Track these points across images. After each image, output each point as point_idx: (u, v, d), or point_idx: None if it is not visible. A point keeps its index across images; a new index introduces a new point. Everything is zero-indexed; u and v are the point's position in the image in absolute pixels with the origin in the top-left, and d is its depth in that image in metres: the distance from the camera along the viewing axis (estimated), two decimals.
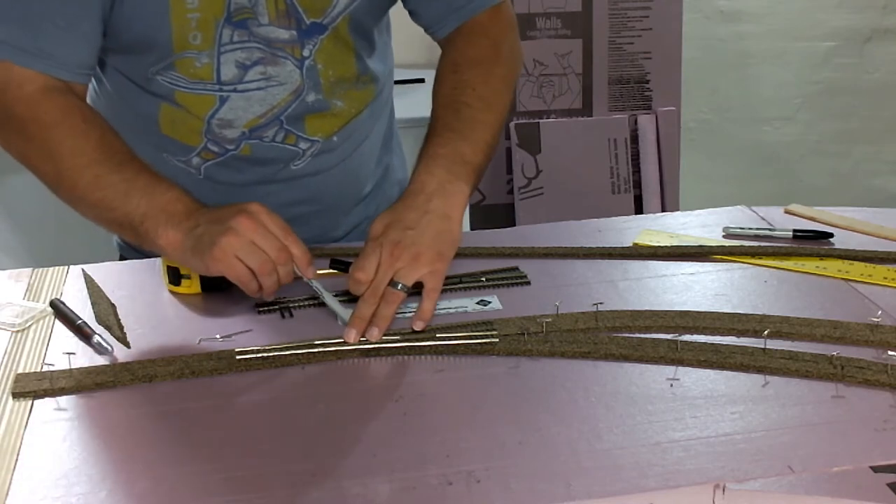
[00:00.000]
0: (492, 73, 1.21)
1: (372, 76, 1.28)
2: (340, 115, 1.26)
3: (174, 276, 1.11)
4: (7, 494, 0.77)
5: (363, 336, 0.99)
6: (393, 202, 1.11)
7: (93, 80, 1.26)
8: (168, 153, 1.25)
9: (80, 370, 0.95)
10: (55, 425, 0.87)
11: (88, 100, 1.27)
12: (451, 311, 1.06)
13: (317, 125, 1.25)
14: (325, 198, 1.30)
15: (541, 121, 2.48)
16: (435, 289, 1.03)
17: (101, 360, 0.98)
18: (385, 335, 0.99)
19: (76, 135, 1.10)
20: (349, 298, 1.05)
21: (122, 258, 1.36)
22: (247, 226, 1.00)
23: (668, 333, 0.99)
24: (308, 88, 1.22)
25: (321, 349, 0.97)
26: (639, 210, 2.45)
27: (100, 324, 1.05)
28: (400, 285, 1.01)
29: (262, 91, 1.20)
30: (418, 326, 1.01)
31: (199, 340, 1.00)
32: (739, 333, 0.99)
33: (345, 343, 0.98)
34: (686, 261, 1.17)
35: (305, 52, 1.20)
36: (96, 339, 1.00)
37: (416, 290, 1.06)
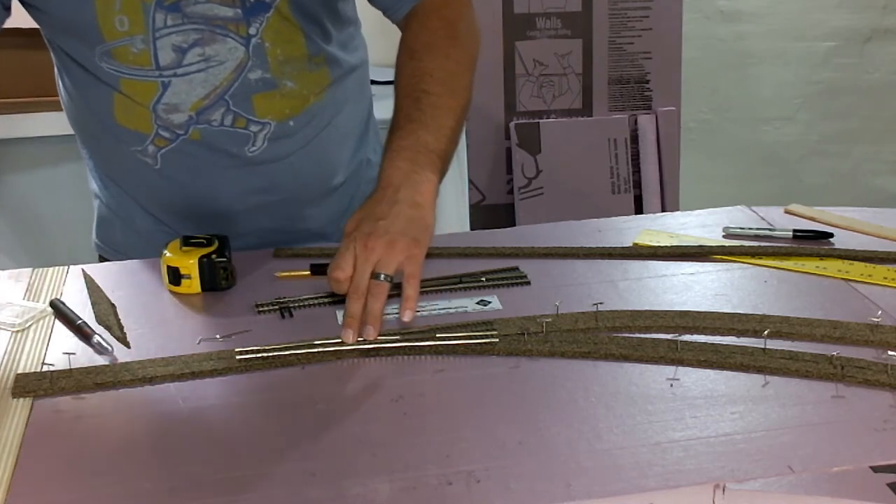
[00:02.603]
0: (449, 56, 1.20)
1: (326, 59, 1.26)
2: (293, 97, 1.24)
3: (174, 276, 1.11)
4: (7, 494, 0.77)
5: (360, 336, 0.98)
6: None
7: (63, 71, 1.27)
8: (125, 143, 1.24)
9: (80, 370, 0.95)
10: (55, 425, 0.87)
11: (63, 96, 1.29)
12: (451, 311, 1.06)
13: (266, 106, 1.23)
14: (287, 186, 1.28)
15: (541, 121, 2.48)
16: (414, 274, 1.01)
17: (101, 360, 0.98)
18: (385, 335, 0.99)
19: None
20: (336, 299, 1.05)
21: (101, 259, 1.37)
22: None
23: (668, 333, 0.99)
24: (253, 66, 1.21)
25: (321, 349, 0.97)
26: (639, 210, 2.46)
27: (100, 324, 1.05)
28: (382, 276, 1.00)
29: (203, 73, 1.20)
30: (407, 317, 0.99)
31: (199, 340, 1.00)
32: (739, 333, 0.99)
33: (345, 343, 0.98)
34: (686, 261, 1.17)
35: (252, 31, 1.19)
36: (96, 339, 1.00)
37: (420, 289, 1.07)
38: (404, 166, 1.08)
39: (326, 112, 1.28)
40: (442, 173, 1.12)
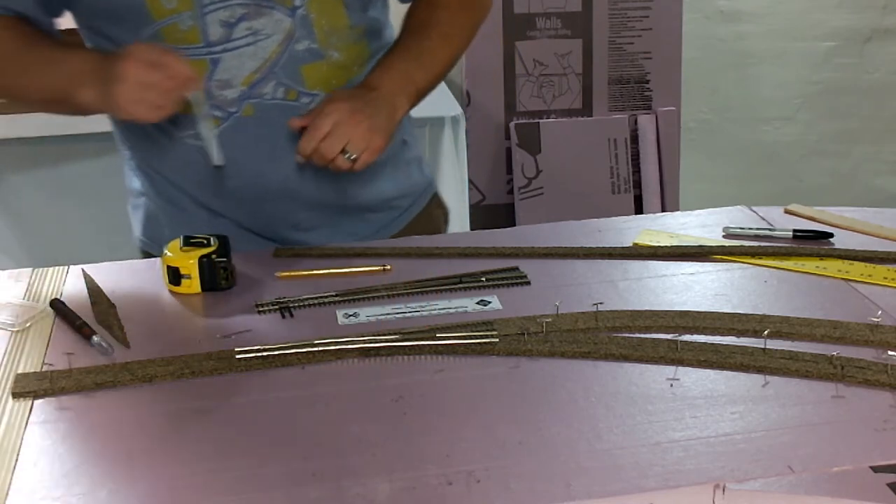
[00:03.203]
0: (456, 17, 1.34)
1: (366, 30, 1.29)
2: (339, 67, 1.26)
3: (174, 276, 1.11)
4: (7, 494, 0.77)
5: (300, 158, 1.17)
6: (412, 177, 1.37)
7: None
8: (178, 129, 1.24)
9: (80, 370, 0.95)
10: (55, 425, 0.87)
11: None
12: (451, 311, 1.06)
13: (314, 77, 1.25)
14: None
15: (541, 121, 2.48)
16: (366, 162, 1.18)
17: (101, 360, 0.98)
18: (385, 335, 0.99)
19: None
20: (338, 299, 1.06)
21: (145, 255, 1.36)
22: (129, 69, 1.09)
23: (668, 333, 0.99)
24: (300, 37, 1.22)
25: (321, 349, 0.97)
26: (639, 210, 2.46)
27: (100, 324, 1.05)
28: (350, 155, 1.16)
29: (252, 46, 1.21)
30: (299, 160, 1.19)
31: (200, 340, 1.00)
32: (739, 333, 0.99)
33: (345, 343, 0.97)
34: (686, 261, 1.17)
35: (297, 2, 1.21)
36: (96, 339, 1.00)
37: (417, 289, 1.07)
38: (389, 84, 1.24)
39: None
40: (412, 106, 1.30)
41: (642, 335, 0.99)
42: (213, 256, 1.11)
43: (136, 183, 1.36)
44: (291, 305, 1.08)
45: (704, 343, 0.97)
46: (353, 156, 1.17)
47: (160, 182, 1.31)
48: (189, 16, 1.18)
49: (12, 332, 1.04)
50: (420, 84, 1.28)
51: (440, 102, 2.25)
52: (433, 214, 1.44)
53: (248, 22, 1.19)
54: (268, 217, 1.29)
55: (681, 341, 0.96)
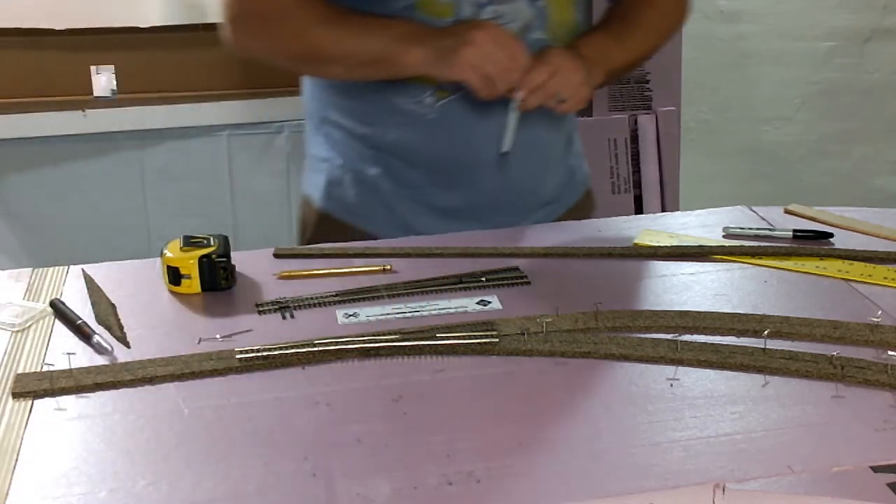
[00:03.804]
0: (664, 17, 1.42)
1: (581, 26, 1.37)
2: None
3: (174, 276, 1.11)
4: (7, 494, 0.77)
5: (524, 93, 1.24)
6: (575, 174, 1.45)
7: None
8: (401, 96, 1.31)
9: (80, 370, 0.95)
10: (55, 425, 0.87)
11: None
12: (451, 311, 1.06)
13: None
14: (537, 142, 1.36)
15: None
16: (569, 111, 1.29)
17: (101, 360, 0.98)
18: (385, 335, 0.99)
19: (308, 7, 1.27)
20: (338, 299, 1.05)
21: (322, 219, 1.42)
22: (482, 37, 1.19)
23: (668, 333, 0.99)
24: (535, 27, 1.30)
25: (321, 349, 0.97)
26: (639, 210, 2.45)
27: (100, 324, 1.05)
28: (558, 98, 1.25)
29: None
30: (519, 95, 1.24)
31: (199, 340, 1.00)
32: (739, 333, 0.99)
33: (345, 343, 0.97)
34: (686, 261, 1.17)
35: None
36: (96, 339, 1.00)
37: (417, 289, 1.07)
38: (590, 54, 1.29)
39: None
40: (603, 85, 1.35)
41: (642, 335, 0.99)
42: (213, 256, 1.11)
43: (323, 152, 1.41)
44: (291, 305, 1.08)
45: (704, 343, 0.97)
46: (563, 97, 1.25)
47: (358, 153, 1.37)
48: None
49: (12, 332, 1.04)
50: (616, 63, 1.34)
51: None
52: (585, 207, 1.48)
53: (496, 6, 1.28)
54: (457, 191, 1.35)
55: (681, 341, 0.96)
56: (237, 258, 1.14)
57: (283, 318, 1.06)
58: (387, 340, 0.98)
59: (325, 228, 1.40)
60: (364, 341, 0.98)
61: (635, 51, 1.39)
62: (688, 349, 0.95)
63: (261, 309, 1.08)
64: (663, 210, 2.43)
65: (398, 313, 1.04)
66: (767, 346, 0.95)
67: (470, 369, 0.95)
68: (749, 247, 1.20)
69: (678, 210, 2.05)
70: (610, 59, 1.33)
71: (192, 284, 1.11)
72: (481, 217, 1.35)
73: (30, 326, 1.05)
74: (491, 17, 1.27)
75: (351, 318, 1.05)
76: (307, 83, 1.43)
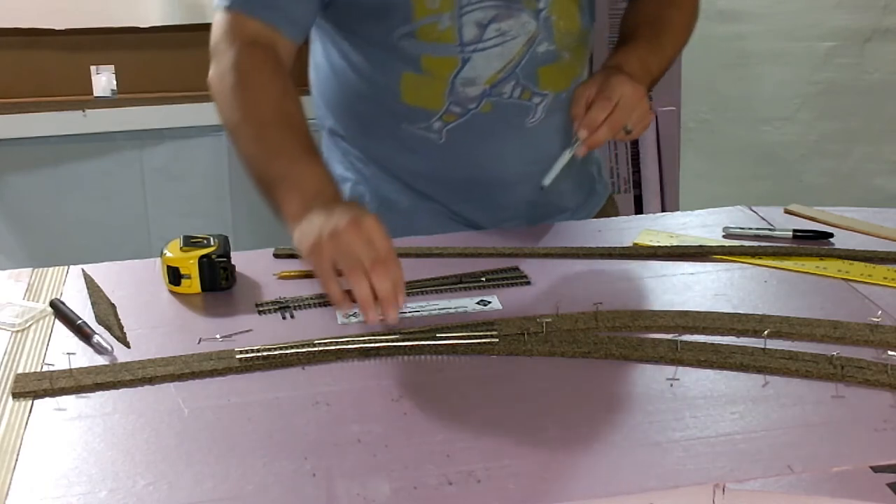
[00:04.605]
0: (686, 17, 1.42)
1: (588, 33, 1.36)
2: (568, 68, 1.32)
3: (174, 276, 1.11)
4: (7, 494, 0.77)
5: (587, 132, 1.20)
6: (595, 184, 1.44)
7: (341, 58, 1.32)
8: (408, 122, 1.30)
9: (80, 370, 0.95)
10: (55, 425, 0.87)
11: (331, 79, 1.35)
12: (451, 311, 1.06)
13: (547, 78, 1.30)
14: (551, 157, 1.30)
15: None
16: (636, 137, 1.24)
17: (101, 360, 0.98)
18: (385, 335, 0.99)
19: (259, 87, 1.17)
20: None
21: None
22: (352, 234, 0.97)
23: (668, 333, 0.99)
24: (541, 39, 1.28)
25: (321, 349, 0.97)
26: (639, 210, 2.45)
27: (100, 324, 1.05)
28: (626, 129, 1.22)
29: (499, 47, 1.26)
30: (582, 134, 1.21)
31: (199, 340, 1.01)
32: (739, 333, 0.99)
33: (345, 343, 0.97)
34: (686, 261, 1.17)
35: (541, 4, 1.27)
36: (96, 339, 1.00)
37: (417, 289, 1.07)
38: (634, 70, 1.27)
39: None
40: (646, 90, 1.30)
41: (642, 335, 0.99)
42: (213, 256, 1.11)
43: (340, 170, 1.39)
44: (291, 305, 1.08)
45: (704, 343, 0.97)
46: (630, 128, 1.23)
47: (374, 169, 1.36)
48: (448, 16, 1.23)
49: (12, 332, 1.04)
50: (654, 73, 1.33)
51: None
52: (608, 214, 1.47)
53: (498, 23, 1.25)
54: (475, 202, 1.34)
55: (681, 341, 0.96)
56: (237, 258, 1.14)
57: (283, 318, 1.06)
58: (387, 340, 0.98)
59: None
60: (364, 341, 0.98)
61: (669, 56, 1.38)
62: (688, 349, 0.95)
63: (261, 309, 1.08)
64: (663, 210, 2.43)
65: (398, 313, 1.04)
66: (767, 346, 0.95)
67: (470, 369, 0.95)
68: (749, 247, 1.20)
69: (678, 210, 2.05)
70: (650, 71, 1.31)
71: (192, 284, 1.11)
72: (504, 228, 1.33)
73: (30, 326, 1.05)
74: (494, 36, 1.25)
75: (351, 317, 1.05)
76: (315, 96, 1.41)
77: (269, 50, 1.20)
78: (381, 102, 1.30)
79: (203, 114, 2.28)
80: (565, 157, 1.23)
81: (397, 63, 1.27)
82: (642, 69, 1.29)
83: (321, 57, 1.36)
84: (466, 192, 1.33)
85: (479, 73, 1.26)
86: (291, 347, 0.98)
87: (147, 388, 0.93)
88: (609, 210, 1.49)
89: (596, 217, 1.43)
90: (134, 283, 1.15)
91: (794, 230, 1.23)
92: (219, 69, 1.20)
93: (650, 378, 0.92)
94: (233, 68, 1.18)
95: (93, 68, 2.21)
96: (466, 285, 1.12)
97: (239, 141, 1.17)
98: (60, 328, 1.05)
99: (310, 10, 1.25)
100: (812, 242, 1.22)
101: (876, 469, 0.77)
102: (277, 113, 1.15)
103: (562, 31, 1.30)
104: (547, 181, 1.24)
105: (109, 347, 0.99)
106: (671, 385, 0.90)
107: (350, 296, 0.96)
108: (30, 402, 0.90)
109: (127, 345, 1.00)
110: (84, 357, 0.98)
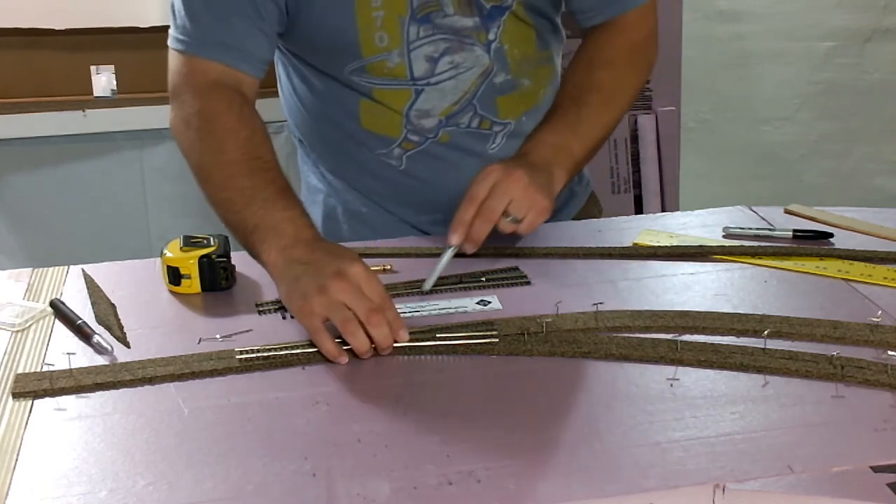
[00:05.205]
0: (622, 78, 1.29)
1: (550, 53, 1.33)
2: (529, 94, 1.31)
3: (174, 276, 1.11)
4: (7, 494, 0.77)
5: (461, 245, 1.10)
6: (574, 189, 1.37)
7: (302, 82, 1.32)
8: (368, 148, 1.30)
9: (80, 370, 0.95)
10: (55, 425, 0.87)
11: (295, 100, 1.34)
12: (451, 311, 1.06)
13: (507, 107, 1.29)
14: None
15: None
16: (533, 226, 1.12)
17: (101, 360, 0.98)
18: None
19: (226, 132, 1.14)
20: None
21: None
22: (340, 287, 0.95)
23: (668, 333, 0.99)
24: (497, 70, 1.26)
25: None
26: (639, 210, 2.45)
27: (100, 324, 1.05)
28: (511, 217, 1.10)
29: (453, 80, 1.25)
30: (469, 249, 1.10)
31: (199, 340, 1.01)
32: (739, 333, 0.99)
33: (345, 343, 0.97)
34: (686, 261, 1.17)
35: (491, 36, 1.25)
36: (96, 339, 1.00)
37: (417, 289, 1.07)
38: (546, 156, 1.18)
39: (546, 106, 1.31)
40: (570, 178, 1.23)
41: (642, 335, 0.99)
42: (213, 256, 1.11)
43: (314, 181, 1.40)
44: None
45: (704, 343, 0.97)
46: (517, 217, 1.11)
47: (340, 185, 1.36)
48: (397, 52, 1.22)
49: (12, 332, 1.04)
50: (577, 155, 1.22)
51: None
52: (591, 213, 1.47)
53: (451, 56, 1.24)
54: (445, 222, 1.24)
55: (681, 341, 0.96)
56: (237, 258, 1.14)
57: (283, 318, 1.06)
58: None
59: None
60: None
61: (597, 131, 1.25)
62: (688, 349, 0.95)
63: (261, 309, 1.08)
64: (663, 210, 2.43)
65: (398, 313, 1.04)
66: (767, 346, 0.95)
67: (470, 369, 0.95)
68: (749, 247, 1.20)
69: (678, 210, 2.05)
70: (570, 154, 1.21)
71: (192, 284, 1.11)
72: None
73: (30, 326, 1.05)
74: (447, 69, 1.24)
75: None
76: (283, 110, 1.39)
77: (232, 92, 1.18)
78: (343, 127, 1.30)
79: None
80: (445, 260, 1.11)
81: (353, 92, 1.26)
82: (557, 154, 1.19)
83: (285, 79, 1.36)
84: (431, 212, 1.33)
85: (433, 105, 1.26)
86: (291, 347, 0.98)
87: (147, 388, 0.93)
88: (591, 209, 1.47)
89: (578, 217, 1.43)
90: (134, 283, 1.15)
91: (794, 230, 1.23)
92: (182, 114, 1.18)
93: (650, 378, 0.92)
94: (198, 114, 1.16)
95: (93, 68, 2.21)
96: (466, 285, 1.12)
97: (209, 188, 1.14)
98: (60, 328, 1.05)
99: (266, 45, 1.22)
100: (812, 242, 1.22)
101: (876, 469, 0.77)
102: (247, 157, 1.12)
103: (517, 60, 1.28)
104: (427, 286, 1.10)
105: (109, 347, 0.99)
106: (671, 385, 0.90)
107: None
108: (30, 402, 0.90)
109: (127, 345, 1.00)
110: (84, 357, 0.98)
